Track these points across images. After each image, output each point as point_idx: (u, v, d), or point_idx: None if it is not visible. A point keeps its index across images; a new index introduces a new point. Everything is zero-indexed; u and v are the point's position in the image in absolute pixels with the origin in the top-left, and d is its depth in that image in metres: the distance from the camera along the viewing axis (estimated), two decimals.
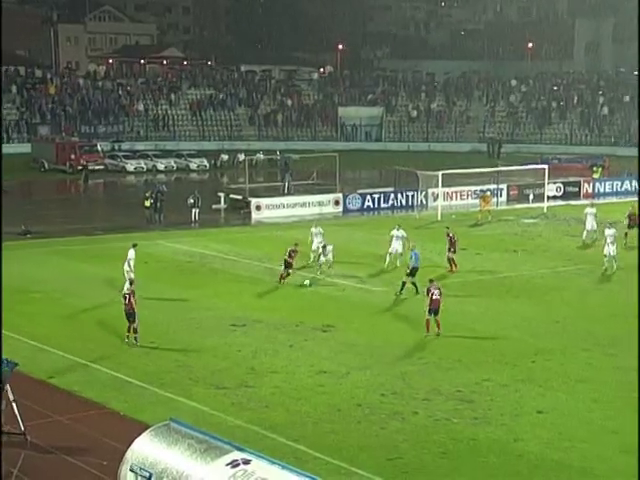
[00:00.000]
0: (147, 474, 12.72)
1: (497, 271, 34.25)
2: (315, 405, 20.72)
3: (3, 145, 64.72)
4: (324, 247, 33.95)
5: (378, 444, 18.59)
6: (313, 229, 35.76)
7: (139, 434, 13.51)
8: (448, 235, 34.40)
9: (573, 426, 19.60)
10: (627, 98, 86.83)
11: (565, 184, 56.36)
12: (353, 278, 33.17)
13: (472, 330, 26.81)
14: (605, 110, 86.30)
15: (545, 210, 49.52)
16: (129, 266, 29.53)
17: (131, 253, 29.89)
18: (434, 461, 17.90)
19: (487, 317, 28.18)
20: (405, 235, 34.77)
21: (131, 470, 12.98)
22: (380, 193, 51.96)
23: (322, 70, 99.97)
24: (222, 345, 24.68)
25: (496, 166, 56.21)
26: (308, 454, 17.88)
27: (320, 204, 50.37)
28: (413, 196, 51.44)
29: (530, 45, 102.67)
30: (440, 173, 49.11)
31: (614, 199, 54.00)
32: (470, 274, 33.93)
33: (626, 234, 39.00)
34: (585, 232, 40.36)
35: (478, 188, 52.86)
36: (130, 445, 13.40)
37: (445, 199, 51.12)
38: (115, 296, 28.29)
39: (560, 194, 55.34)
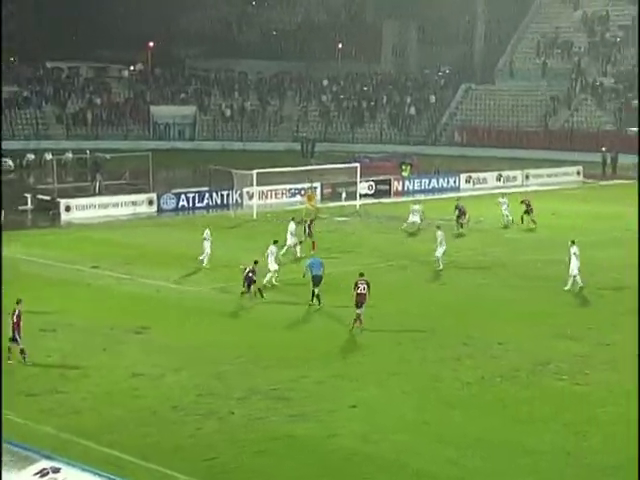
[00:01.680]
0: None
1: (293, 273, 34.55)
2: (129, 409, 20.30)
3: None
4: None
5: (194, 445, 18.42)
6: (206, 234, 35.21)
7: None
8: (457, 207, 42.10)
9: (386, 419, 20.05)
10: (432, 98, 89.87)
11: (376, 182, 57.62)
12: (168, 279, 32.77)
13: (290, 328, 27.03)
14: (412, 110, 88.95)
15: (358, 208, 50.50)
16: None
17: None
18: (251, 460, 17.89)
19: (304, 315, 28.45)
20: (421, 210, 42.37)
21: None
22: (195, 192, 51.55)
23: (133, 68, 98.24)
24: (31, 351, 23.79)
25: (310, 165, 56.86)
26: (122, 459, 17.50)
27: (134, 204, 49.48)
28: (228, 195, 51.31)
29: (340, 46, 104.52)
30: (255, 172, 49.27)
31: (422, 196, 55.60)
32: (286, 274, 34.21)
33: (522, 218, 43.27)
34: (405, 224, 43.01)
35: (293, 187, 53.40)
36: None
37: (260, 198, 51.25)
38: None
39: (372, 192, 56.54)
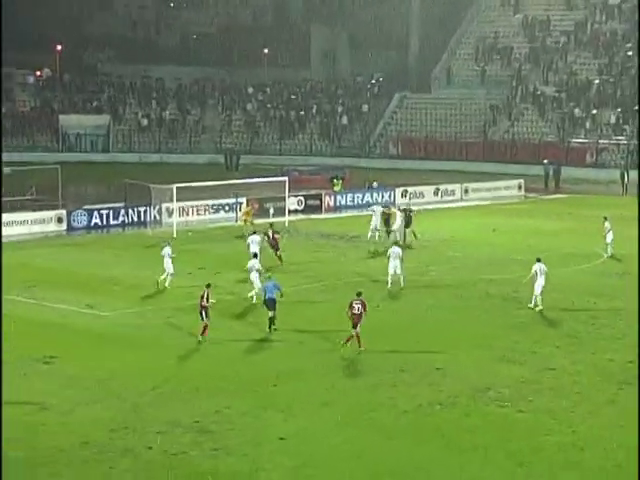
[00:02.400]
0: None
1: (236, 291, 34.46)
2: (34, 447, 19.91)
3: None
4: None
5: None
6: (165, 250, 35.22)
7: None
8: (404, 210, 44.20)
9: (317, 452, 19.99)
10: (365, 107, 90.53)
11: (306, 197, 57.75)
12: (79, 303, 32.34)
13: (212, 355, 26.84)
14: (344, 120, 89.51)
15: (287, 225, 50.50)
16: None
17: None
18: None
19: (227, 341, 28.27)
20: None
21: None
22: (109, 209, 51.05)
23: (39, 73, 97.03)
24: None
25: (234, 179, 56.78)
26: None
27: (41, 222, 48.76)
28: (145, 212, 50.94)
29: (266, 51, 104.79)
30: (174, 187, 48.97)
31: (355, 212, 55.84)
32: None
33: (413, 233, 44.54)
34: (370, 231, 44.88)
35: (216, 202, 53.38)
36: None
37: (181, 215, 51.05)
38: None
39: (301, 208, 56.64)
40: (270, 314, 29.30)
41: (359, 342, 26.82)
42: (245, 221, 47.34)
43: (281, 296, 29.89)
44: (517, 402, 22.93)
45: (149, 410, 22.20)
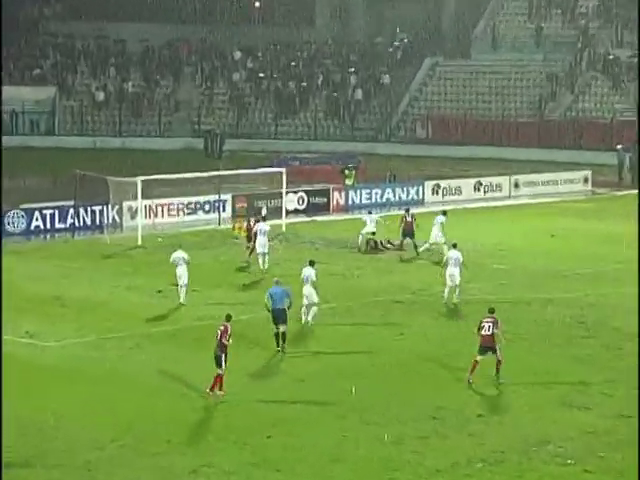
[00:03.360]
0: None
1: (218, 316, 34.43)
2: None
3: None
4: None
5: None
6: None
7: None
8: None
9: None
10: (386, 78, 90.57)
11: (309, 194, 57.78)
12: (16, 330, 32.35)
13: (185, 395, 26.82)
14: (359, 94, 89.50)
15: (284, 229, 50.47)
16: None
17: None
18: None
19: (208, 375, 28.23)
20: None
21: None
22: (54, 209, 51.15)
23: None
24: None
25: (217, 169, 56.83)
26: None
27: None
28: (102, 212, 51.10)
29: (257, 4, 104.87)
30: (139, 179, 48.99)
31: (374, 213, 55.58)
32: (184, 319, 34.09)
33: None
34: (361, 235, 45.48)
35: (194, 200, 53.74)
36: None
37: (148, 215, 51.22)
38: None
39: (303, 207, 56.68)
40: (280, 329, 29.74)
41: (498, 370, 27.41)
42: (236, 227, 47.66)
43: (289, 306, 30.30)
44: (584, 459, 22.86)
45: (106, 468, 22.16)
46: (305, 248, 46.92)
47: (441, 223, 43.90)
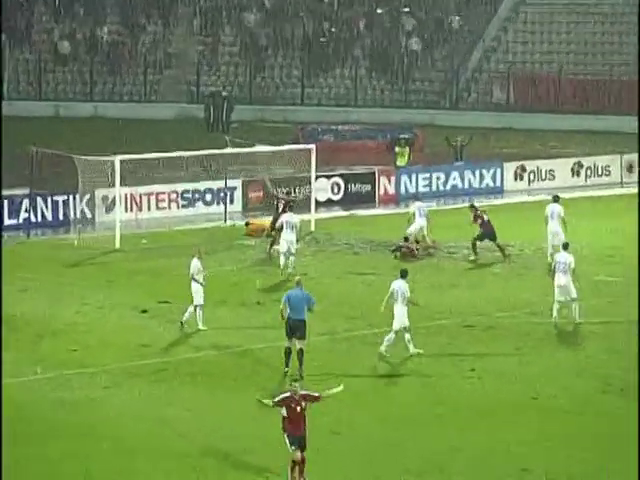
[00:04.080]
0: None
1: (234, 345, 34.59)
2: None
3: None
4: None
5: None
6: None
7: None
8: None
9: None
10: (454, 21, 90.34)
11: (347, 178, 57.81)
12: None
13: (182, 455, 26.95)
14: (415, 43, 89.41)
15: (313, 227, 50.49)
16: None
17: None
18: None
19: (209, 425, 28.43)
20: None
21: None
22: (2, 199, 51.39)
23: None
24: None
25: (223, 146, 56.91)
26: None
27: None
28: (67, 203, 51.46)
29: None
30: (117, 159, 49.11)
31: (433, 204, 55.65)
32: (177, 349, 34.23)
33: (473, 245, 45.88)
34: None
35: (191, 187, 54.27)
36: None
37: (128, 208, 51.65)
38: None
39: (339, 197, 56.76)
40: (297, 345, 30.08)
41: None
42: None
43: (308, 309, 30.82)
44: None
45: None
46: (341, 253, 47.02)
47: (559, 215, 44.68)
